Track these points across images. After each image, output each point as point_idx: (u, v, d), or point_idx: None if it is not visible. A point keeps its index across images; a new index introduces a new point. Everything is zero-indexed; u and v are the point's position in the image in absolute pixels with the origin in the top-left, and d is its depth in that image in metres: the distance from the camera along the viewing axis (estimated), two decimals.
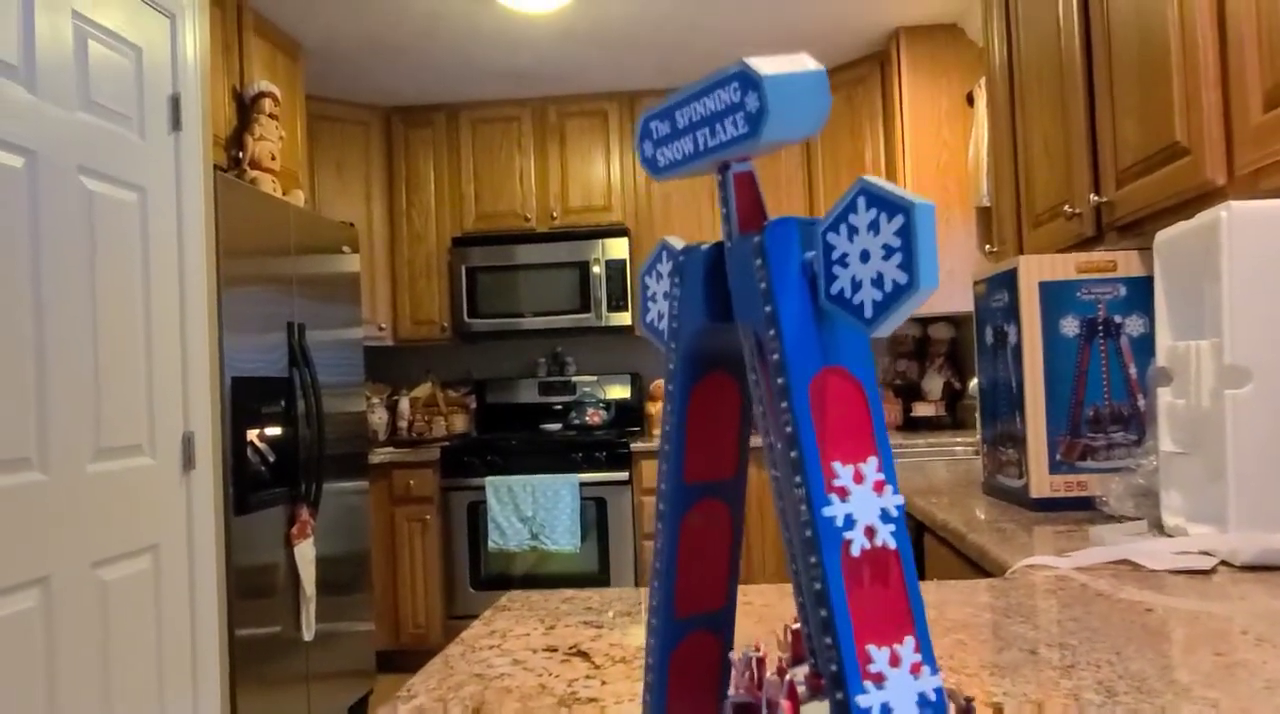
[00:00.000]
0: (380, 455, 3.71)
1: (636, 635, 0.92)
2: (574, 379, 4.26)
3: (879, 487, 0.39)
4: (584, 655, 0.86)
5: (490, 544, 3.65)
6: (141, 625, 2.00)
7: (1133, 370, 1.57)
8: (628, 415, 4.20)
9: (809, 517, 0.38)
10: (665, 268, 0.51)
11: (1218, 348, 1.15)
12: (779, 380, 0.39)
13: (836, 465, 0.38)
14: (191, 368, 2.19)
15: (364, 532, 3.34)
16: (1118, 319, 1.57)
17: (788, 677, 0.43)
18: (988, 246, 2.44)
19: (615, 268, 3.92)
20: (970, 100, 3.37)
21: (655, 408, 4.01)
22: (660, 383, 4.05)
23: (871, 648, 0.37)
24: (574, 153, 4.08)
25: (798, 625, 0.48)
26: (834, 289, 0.39)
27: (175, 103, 2.18)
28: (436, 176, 4.10)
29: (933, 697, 0.37)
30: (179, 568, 2.14)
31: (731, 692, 0.46)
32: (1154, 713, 0.67)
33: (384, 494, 3.74)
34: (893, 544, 0.38)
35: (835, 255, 0.39)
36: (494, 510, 3.64)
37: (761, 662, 0.45)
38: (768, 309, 0.40)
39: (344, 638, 3.08)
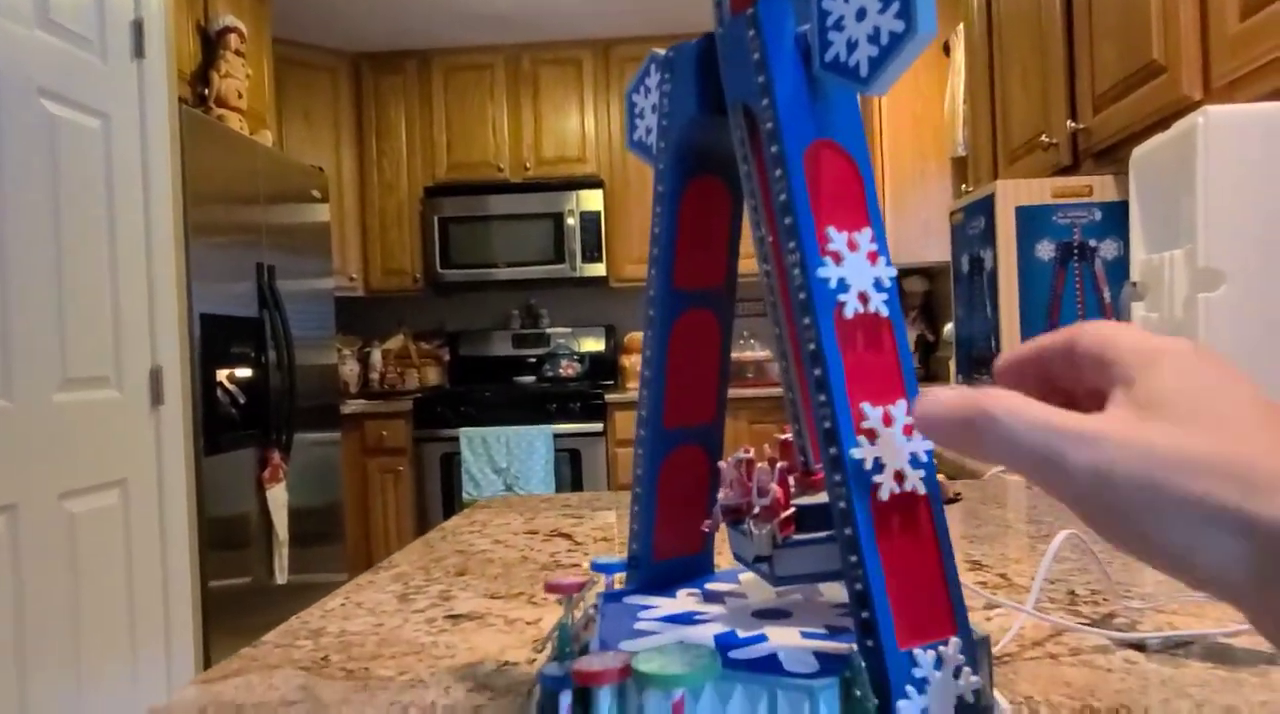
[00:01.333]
0: (352, 406, 3.68)
1: (618, 523, 0.92)
2: (548, 331, 4.23)
3: (873, 257, 0.38)
4: (566, 536, 0.86)
5: (464, 495, 3.64)
6: (111, 562, 1.97)
7: (1106, 294, 1.59)
8: (602, 367, 4.19)
9: (803, 280, 0.37)
10: (654, 81, 0.50)
11: (1191, 255, 1.16)
12: (773, 149, 0.38)
13: (830, 230, 0.38)
14: (159, 301, 2.15)
15: (336, 483, 3.32)
16: (1092, 243, 1.59)
17: (779, 464, 0.42)
18: (963, 185, 2.45)
19: (590, 219, 3.89)
20: (946, 50, 3.36)
21: (629, 360, 4.00)
22: (635, 335, 4.04)
23: (865, 406, 0.36)
24: (547, 103, 4.02)
25: (787, 436, 0.48)
26: (828, 56, 0.38)
27: (138, 28, 2.11)
28: (408, 125, 4.03)
29: (924, 457, 0.37)
30: (148, 504, 2.11)
31: (721, 496, 0.46)
32: (1131, 560, 0.67)
33: (356, 445, 3.71)
34: (885, 312, 0.38)
35: (830, 21, 0.38)
36: (468, 461, 3.63)
37: (751, 462, 0.45)
38: (760, 79, 0.39)
39: (317, 589, 3.07)
